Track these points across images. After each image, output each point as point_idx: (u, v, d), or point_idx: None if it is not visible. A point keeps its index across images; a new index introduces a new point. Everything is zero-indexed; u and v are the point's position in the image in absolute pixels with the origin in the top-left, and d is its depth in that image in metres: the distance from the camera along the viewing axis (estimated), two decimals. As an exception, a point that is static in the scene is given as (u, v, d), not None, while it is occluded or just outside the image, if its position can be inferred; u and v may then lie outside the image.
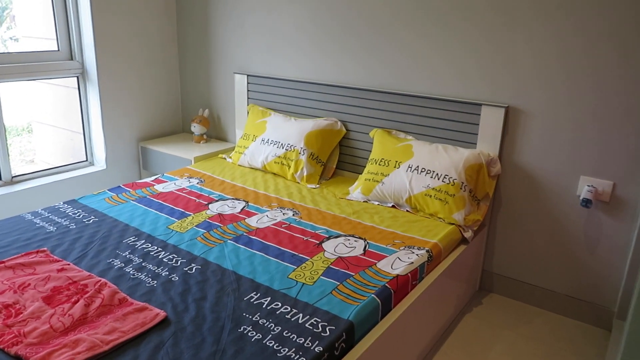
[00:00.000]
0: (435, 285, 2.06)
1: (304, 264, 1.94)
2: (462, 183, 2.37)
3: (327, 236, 2.19)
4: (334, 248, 2.08)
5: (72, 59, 3.19)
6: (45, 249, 1.97)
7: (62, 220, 2.26)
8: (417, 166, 2.46)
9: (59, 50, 3.13)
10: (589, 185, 2.29)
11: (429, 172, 2.43)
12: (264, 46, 3.19)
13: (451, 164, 2.41)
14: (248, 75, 3.26)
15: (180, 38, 3.59)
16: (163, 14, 3.47)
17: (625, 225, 2.28)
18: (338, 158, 2.98)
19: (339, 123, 2.93)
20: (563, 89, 2.29)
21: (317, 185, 2.81)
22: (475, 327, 2.41)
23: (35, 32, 3.34)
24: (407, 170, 2.48)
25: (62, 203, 2.45)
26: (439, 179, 2.40)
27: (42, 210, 2.36)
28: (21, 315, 1.54)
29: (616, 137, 2.21)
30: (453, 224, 2.35)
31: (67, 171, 3.28)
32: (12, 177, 3.03)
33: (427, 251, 2.08)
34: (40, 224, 2.21)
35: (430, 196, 2.39)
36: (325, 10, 2.90)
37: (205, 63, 3.52)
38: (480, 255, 2.64)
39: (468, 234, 2.34)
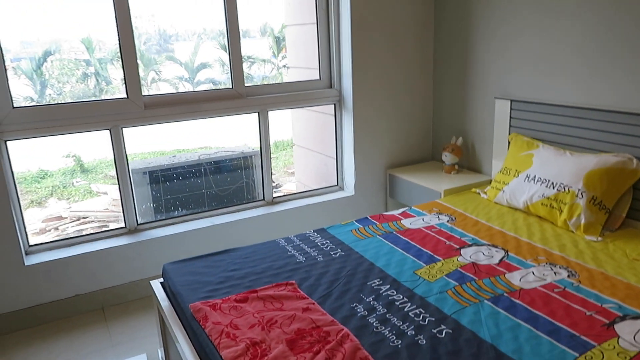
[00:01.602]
0: None
1: (589, 353, 1.47)
2: None
3: (621, 314, 1.65)
4: (633, 335, 1.54)
5: (331, 87, 3.28)
6: (293, 281, 1.94)
7: (311, 250, 2.24)
8: None
9: (320, 79, 3.25)
10: None
11: None
12: (531, 69, 2.75)
13: None
14: (512, 101, 2.84)
15: (437, 61, 3.39)
16: (420, 38, 3.32)
17: None
18: (630, 205, 2.33)
19: (635, 160, 2.29)
20: None
21: (599, 238, 2.23)
22: None
23: (300, 62, 3.57)
24: None
25: (312, 231, 2.45)
26: None
27: (294, 237, 2.40)
28: (266, 357, 1.49)
29: None
30: None
31: (319, 195, 3.38)
32: (273, 198, 3.25)
33: None
34: (292, 252, 2.23)
35: None
36: (605, 27, 2.33)
37: (462, 87, 3.24)
38: None
39: None
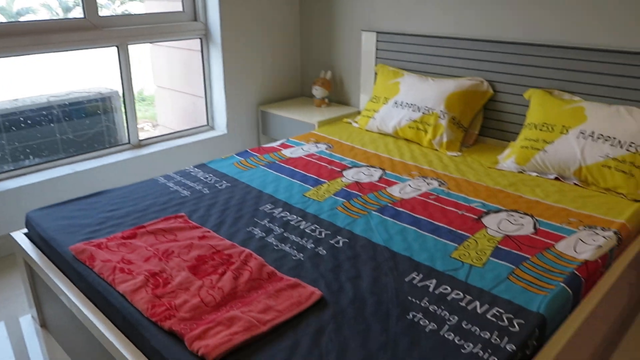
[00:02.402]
0: (626, 274, 1.70)
1: (466, 242, 1.67)
2: (653, 152, 1.95)
3: (485, 210, 1.89)
4: (497, 224, 1.78)
5: (195, 20, 3.09)
6: (183, 214, 1.86)
7: (195, 184, 2.16)
8: (592, 132, 2.06)
9: (183, 11, 3.04)
10: None
11: (608, 139, 2.02)
12: (394, 2, 2.88)
13: (638, 130, 1.98)
14: (377, 33, 2.97)
15: (301, -5, 3.38)
16: (284, -30, 3.26)
17: None
18: (482, 123, 2.63)
19: (485, 83, 2.57)
20: None
21: (459, 153, 2.49)
22: (658, 325, 2.01)
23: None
24: (578, 137, 2.09)
25: (192, 167, 2.36)
26: (622, 147, 1.99)
27: (174, 174, 2.29)
28: (169, 285, 1.43)
29: None
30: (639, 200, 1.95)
31: (189, 135, 3.24)
32: (139, 140, 3.03)
33: (615, 233, 1.72)
34: (174, 187, 2.13)
35: (610, 167, 1.99)
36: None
37: (328, 21, 3.28)
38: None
39: (659, 214, 1.93)
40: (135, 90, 2.93)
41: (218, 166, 2.37)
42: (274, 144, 2.66)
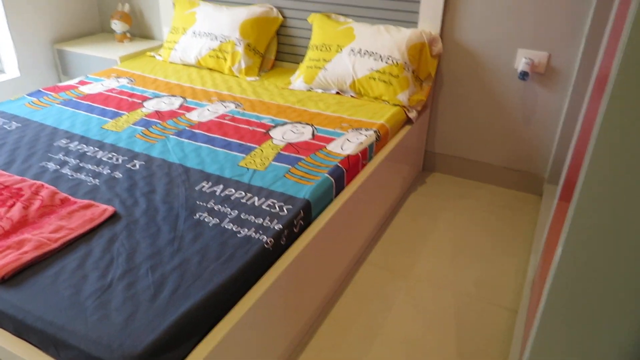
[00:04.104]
0: (384, 164, 2.10)
1: (253, 152, 1.89)
2: (406, 63, 2.34)
3: (274, 125, 2.13)
4: (282, 135, 2.04)
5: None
6: (-35, 157, 1.79)
7: (-20, 128, 2.05)
8: (360, 49, 2.40)
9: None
10: (525, 58, 2.33)
11: (372, 54, 2.37)
12: None
13: (394, 45, 2.36)
14: (169, -39, 2.95)
15: None
16: None
17: (557, 95, 2.38)
18: (277, 49, 2.84)
19: (275, 10, 2.76)
20: (502, -42, 2.24)
21: (257, 78, 2.69)
22: (420, 202, 2.51)
23: None
24: (349, 54, 2.41)
25: (-25, 111, 2.21)
26: (382, 60, 2.35)
27: (-47, 119, 2.13)
28: (-48, 223, 1.42)
29: (552, 7, 2.23)
30: (398, 105, 2.35)
31: (-25, 81, 2.95)
32: None
33: (375, 132, 2.09)
34: (-45, 133, 2.00)
35: (375, 79, 2.36)
36: None
37: (118, -50, 3.14)
38: (423, 135, 2.69)
39: (412, 114, 2.36)
40: None
41: (6, 108, 2.25)
42: (71, 82, 2.58)
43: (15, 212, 1.46)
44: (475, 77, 2.51)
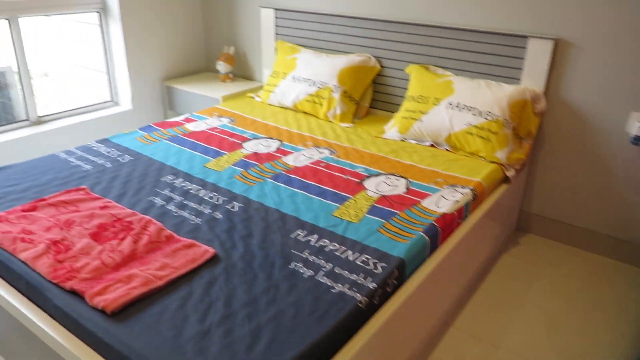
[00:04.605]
0: (479, 224, 2.02)
1: (347, 202, 1.90)
2: (506, 120, 2.28)
3: (367, 175, 2.14)
4: (376, 186, 2.03)
5: (92, -7, 3.06)
6: (84, 187, 1.94)
7: (97, 159, 2.22)
8: (458, 103, 2.37)
9: (78, -17, 3.00)
10: (640, 122, 2.19)
11: (470, 109, 2.33)
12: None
13: (494, 101, 2.31)
14: (276, 10, 3.11)
15: (202, -30, 3.42)
16: (184, -56, 3.29)
17: (675, 164, 2.20)
18: (372, 96, 2.88)
19: (373, 59, 2.81)
20: (614, 18, 2.14)
21: (351, 124, 2.73)
22: (513, 265, 2.39)
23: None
24: (447, 108, 2.39)
25: (94, 142, 2.41)
26: (481, 116, 2.30)
27: (75, 149, 2.33)
28: (71, 250, 1.53)
29: (674, 70, 2.09)
30: (495, 162, 2.28)
31: (93, 111, 3.23)
32: (39, 117, 2.99)
33: (472, 190, 2.03)
34: (76, 162, 2.18)
35: (472, 134, 2.31)
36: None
37: (229, -3, 3.36)
38: (519, 194, 2.58)
39: (511, 173, 2.28)
40: (41, 65, 2.87)
41: (121, 141, 2.43)
42: (178, 119, 2.75)
43: (126, 245, 1.56)
44: (581, 138, 2.38)
